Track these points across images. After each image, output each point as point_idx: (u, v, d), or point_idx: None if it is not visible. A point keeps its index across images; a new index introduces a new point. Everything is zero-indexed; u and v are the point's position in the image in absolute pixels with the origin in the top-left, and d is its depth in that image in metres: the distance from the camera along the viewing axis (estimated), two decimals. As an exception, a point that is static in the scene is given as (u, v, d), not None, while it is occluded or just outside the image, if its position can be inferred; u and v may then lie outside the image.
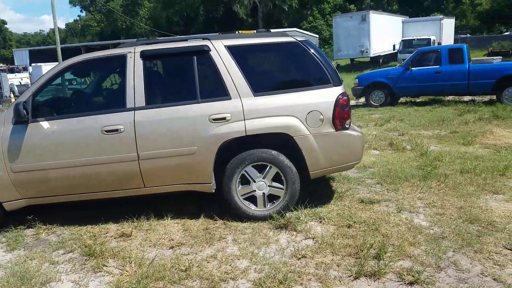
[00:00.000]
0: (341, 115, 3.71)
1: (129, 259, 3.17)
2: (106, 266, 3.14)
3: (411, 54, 11.38)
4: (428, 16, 37.55)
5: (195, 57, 3.77)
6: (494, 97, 9.93)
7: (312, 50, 3.83)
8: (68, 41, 62.06)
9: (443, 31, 25.68)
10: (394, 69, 11.78)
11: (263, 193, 3.77)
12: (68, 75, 4.34)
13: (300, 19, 49.92)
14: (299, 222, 3.61)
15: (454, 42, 29.67)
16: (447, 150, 5.83)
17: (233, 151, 3.71)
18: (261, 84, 3.79)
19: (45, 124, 3.66)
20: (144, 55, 3.77)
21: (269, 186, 3.77)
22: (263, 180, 3.75)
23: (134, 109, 3.66)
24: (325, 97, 3.71)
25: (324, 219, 3.70)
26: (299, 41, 3.83)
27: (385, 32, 26.40)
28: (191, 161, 3.66)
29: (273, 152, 3.70)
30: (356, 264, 2.92)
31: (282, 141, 3.72)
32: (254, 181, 3.74)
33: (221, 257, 3.17)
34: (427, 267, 2.83)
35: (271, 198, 3.82)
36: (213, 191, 3.81)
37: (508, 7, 53.63)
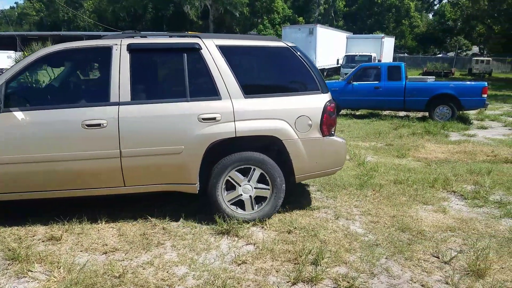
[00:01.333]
0: (328, 121, 3.82)
1: (58, 264, 2.96)
2: (32, 271, 2.91)
3: (353, 69, 11.92)
4: (371, 34, 39.72)
5: (185, 54, 3.70)
6: (427, 114, 10.66)
7: (302, 57, 3.91)
8: (2, 28, 57.49)
9: (384, 49, 27.23)
10: (337, 82, 12.27)
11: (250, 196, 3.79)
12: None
13: (251, 27, 50.47)
14: (241, 227, 3.60)
15: (393, 60, 31.64)
16: (382, 161, 6.14)
17: (219, 152, 3.67)
18: (252, 86, 3.80)
19: (19, 115, 3.37)
20: (131, 48, 3.62)
21: (255, 187, 3.79)
22: (248, 183, 3.77)
23: (119, 103, 3.48)
24: (314, 103, 3.80)
25: (266, 224, 3.72)
26: (289, 46, 3.90)
27: (330, 46, 27.45)
28: (177, 160, 3.56)
29: (277, 170, 3.75)
30: (295, 269, 2.95)
31: (269, 144, 3.78)
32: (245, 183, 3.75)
33: (158, 263, 3.05)
34: (362, 274, 2.93)
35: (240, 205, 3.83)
36: (197, 192, 3.72)
37: (442, 32, 58.29)
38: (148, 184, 3.65)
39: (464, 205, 4.35)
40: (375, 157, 6.58)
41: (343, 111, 12.04)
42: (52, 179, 3.48)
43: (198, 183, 3.67)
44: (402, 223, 3.81)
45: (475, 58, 38.38)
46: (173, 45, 3.74)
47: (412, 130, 8.89)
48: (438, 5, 57.46)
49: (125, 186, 3.61)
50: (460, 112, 10.54)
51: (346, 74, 15.43)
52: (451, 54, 56.70)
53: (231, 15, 47.23)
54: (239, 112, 3.61)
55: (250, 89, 3.72)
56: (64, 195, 3.59)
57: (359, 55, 23.67)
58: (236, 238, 3.48)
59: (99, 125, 3.42)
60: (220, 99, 3.63)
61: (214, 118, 3.57)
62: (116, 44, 3.61)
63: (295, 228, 3.65)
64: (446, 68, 36.02)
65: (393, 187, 4.89)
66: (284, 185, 3.79)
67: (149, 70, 3.94)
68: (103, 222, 3.72)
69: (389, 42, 30.01)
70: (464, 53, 58.72)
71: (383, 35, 29.90)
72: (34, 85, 4.16)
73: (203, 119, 3.55)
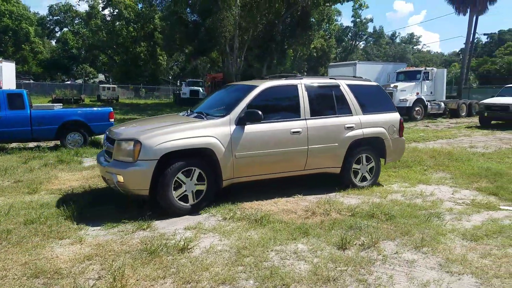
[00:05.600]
0: (402, 128, 6.61)
1: None
2: None
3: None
4: (-15, 57, 34.51)
5: (332, 89, 6.23)
6: (59, 142, 10.30)
7: (384, 91, 6.99)
8: None
9: (3, 74, 24.31)
10: None
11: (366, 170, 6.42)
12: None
13: None
14: None
15: (17, 87, 28.84)
16: (10, 202, 5.34)
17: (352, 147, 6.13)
18: (365, 107, 6.30)
19: (257, 126, 5.38)
20: (306, 86, 5.98)
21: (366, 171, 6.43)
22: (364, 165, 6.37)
23: (305, 119, 5.80)
24: (395, 117, 6.57)
25: None
26: (378, 84, 6.88)
27: None
28: (333, 152, 5.98)
29: (377, 156, 6.49)
30: None
31: (374, 142, 6.38)
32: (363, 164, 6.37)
33: None
34: None
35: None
36: (339, 172, 6.13)
37: (67, 59, 58.70)
38: (315, 168, 5.95)
39: (101, 229, 4.42)
40: (1, 199, 5.64)
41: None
42: (272, 166, 5.60)
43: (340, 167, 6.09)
44: (36, 268, 3.40)
45: (102, 86, 41.15)
46: (327, 83, 6.26)
47: (44, 161, 8.33)
48: (59, 32, 57.43)
49: (304, 169, 5.88)
50: (92, 137, 10.87)
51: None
52: (80, 81, 58.30)
53: None
54: (363, 123, 6.16)
55: (364, 109, 6.25)
56: (279, 176, 5.75)
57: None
58: None
59: (298, 132, 5.68)
60: (352, 115, 6.15)
61: (352, 127, 6.06)
62: (300, 83, 5.97)
63: None
64: (76, 95, 36.66)
65: (24, 229, 4.32)
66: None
67: (316, 98, 6.08)
68: None
69: (9, 67, 27.03)
70: (92, 81, 61.85)
71: (1, 59, 26.62)
72: (258, 107, 5.42)
73: (347, 127, 6.03)
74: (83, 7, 63.83)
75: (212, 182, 5.13)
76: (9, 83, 26.12)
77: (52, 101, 28.63)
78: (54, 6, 51.85)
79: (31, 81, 45.85)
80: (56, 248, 3.87)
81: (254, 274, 3.36)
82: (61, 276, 3.28)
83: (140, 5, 45.78)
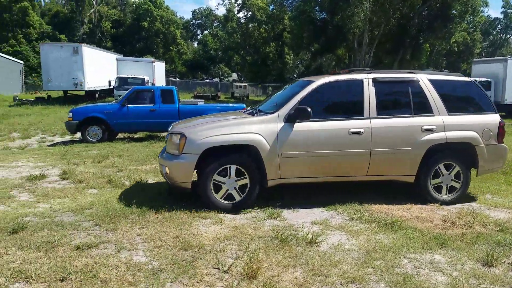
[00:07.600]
0: (502, 133, 5.43)
1: None
2: None
3: (127, 91, 11.73)
4: (141, 57, 40.21)
5: (409, 85, 5.34)
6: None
7: (480, 87, 5.70)
8: None
9: (156, 72, 28.00)
10: (111, 105, 11.78)
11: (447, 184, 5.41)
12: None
13: None
14: (-5, 288, 2.90)
15: (166, 84, 32.88)
16: (165, 183, 6.18)
17: (430, 153, 5.21)
18: (451, 106, 5.36)
19: (309, 124, 4.95)
20: (375, 81, 5.22)
21: (451, 179, 5.39)
22: (449, 175, 5.37)
23: (370, 118, 5.07)
24: (492, 120, 5.43)
25: (32, 277, 3.10)
26: (472, 80, 5.70)
27: (100, 67, 26.31)
28: (405, 158, 5.13)
29: (467, 168, 5.44)
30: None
31: (462, 148, 5.34)
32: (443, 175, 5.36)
33: None
34: (148, 305, 2.80)
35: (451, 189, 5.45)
36: (413, 181, 5.28)
37: (206, 59, 64.40)
38: (380, 174, 5.24)
39: (236, 213, 4.82)
40: (156, 179, 6.56)
41: (120, 135, 11.62)
42: (324, 168, 5.03)
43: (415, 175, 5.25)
44: (185, 241, 3.88)
45: (235, 84, 44.19)
46: (402, 78, 5.46)
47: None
48: (200, 35, 63.38)
49: (366, 175, 5.19)
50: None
51: (120, 96, 15.00)
52: (216, 79, 63.48)
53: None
54: (447, 124, 5.22)
55: (450, 109, 5.32)
56: (334, 180, 5.22)
57: (132, 78, 23.59)
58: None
59: (359, 132, 4.99)
60: (433, 115, 5.26)
61: (432, 129, 5.18)
62: (366, 78, 5.23)
63: (70, 273, 3.18)
64: (213, 92, 40.05)
65: (176, 206, 4.94)
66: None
67: (386, 95, 5.37)
68: None
69: (160, 66, 31.05)
70: (226, 79, 66.73)
71: (153, 59, 30.69)
72: (312, 104, 5.04)
73: (425, 129, 5.16)
74: (221, 11, 69.12)
75: (256, 181, 4.92)
76: (160, 80, 29.91)
77: (194, 97, 31.79)
78: (197, 10, 57.45)
79: (177, 79, 51.77)
80: (201, 226, 4.36)
81: (385, 278, 3.27)
82: (205, 252, 3.70)
83: (271, 7, 47.63)
